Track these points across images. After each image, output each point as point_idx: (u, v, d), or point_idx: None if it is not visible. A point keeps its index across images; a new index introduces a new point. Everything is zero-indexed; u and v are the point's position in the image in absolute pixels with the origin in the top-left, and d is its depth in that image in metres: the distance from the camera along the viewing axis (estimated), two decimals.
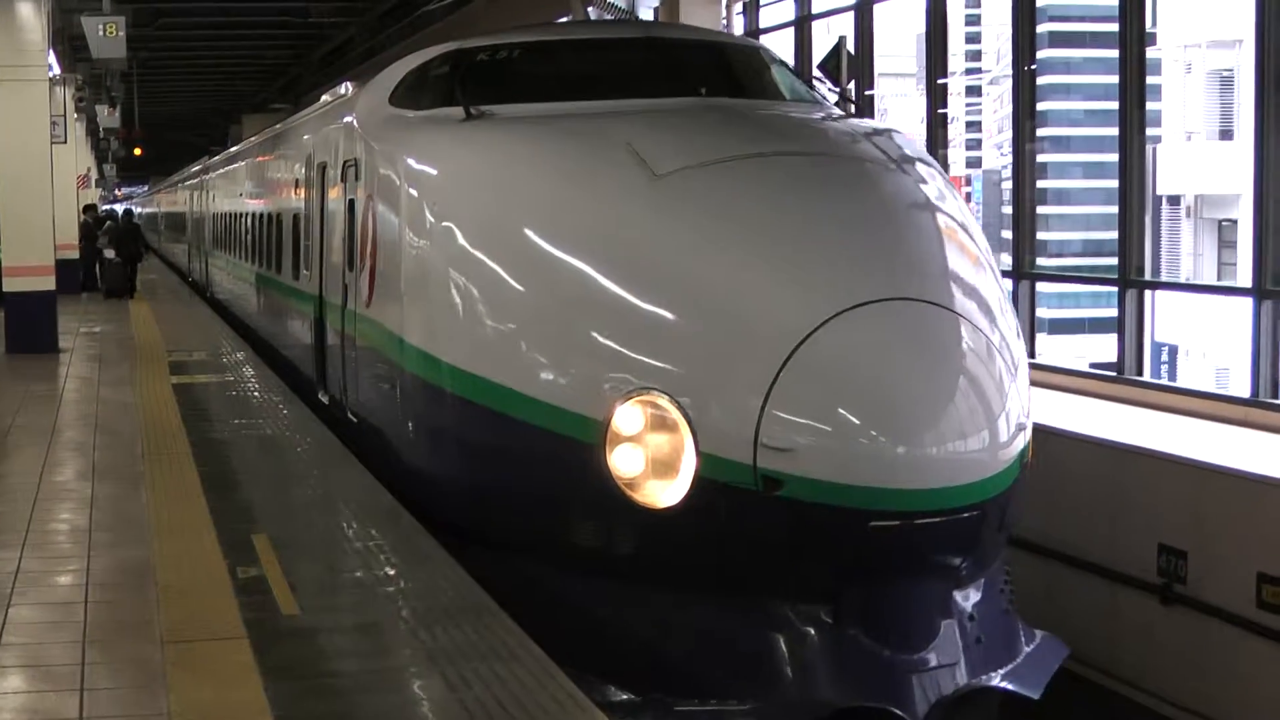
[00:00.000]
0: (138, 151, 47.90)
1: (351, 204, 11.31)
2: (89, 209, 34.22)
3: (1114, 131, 13.72)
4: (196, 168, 37.05)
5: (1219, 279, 40.45)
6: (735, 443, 7.15)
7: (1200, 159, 45.89)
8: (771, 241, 7.77)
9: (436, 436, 9.17)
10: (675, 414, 7.32)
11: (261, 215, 19.16)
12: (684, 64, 10.40)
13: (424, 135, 10.03)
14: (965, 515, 7.23)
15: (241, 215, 22.48)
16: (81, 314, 25.13)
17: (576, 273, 8.12)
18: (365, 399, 10.79)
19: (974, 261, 8.18)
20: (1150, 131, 15.33)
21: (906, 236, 8.06)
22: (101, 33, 18.93)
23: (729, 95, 9.91)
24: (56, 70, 23.97)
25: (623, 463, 7.45)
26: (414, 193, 9.55)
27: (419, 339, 9.13)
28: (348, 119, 12.02)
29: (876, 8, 18.20)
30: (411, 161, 9.85)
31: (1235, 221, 40.52)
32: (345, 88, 14.09)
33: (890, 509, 7.06)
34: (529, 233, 8.49)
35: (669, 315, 7.67)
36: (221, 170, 28.18)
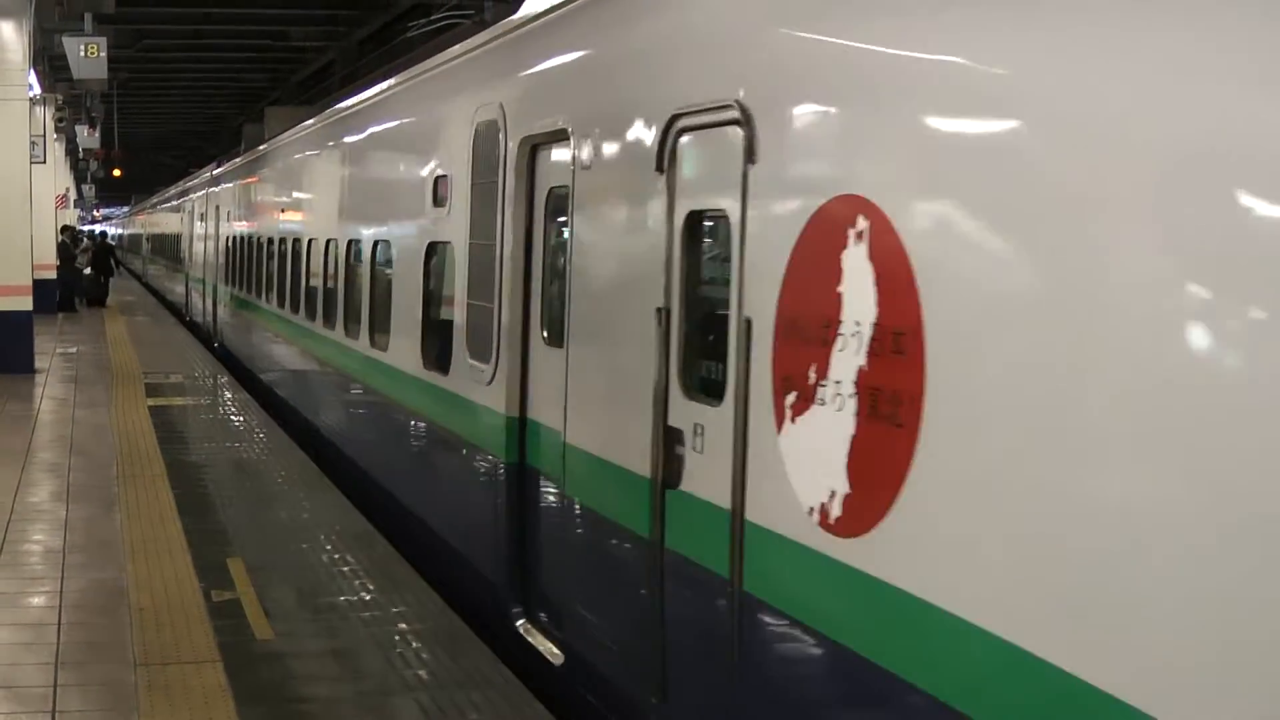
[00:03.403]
0: (117, 172, 47.96)
1: (696, 226, 5.33)
2: (66, 229, 34.24)
3: None
4: (202, 177, 29.66)
5: None
6: None
7: None
8: None
9: None
10: None
11: (336, 245, 12.70)
12: None
13: None
14: None
15: (287, 242, 15.76)
16: (58, 335, 25.10)
17: None
18: None
19: None
20: None
21: None
22: (83, 53, 19.00)
23: None
24: (37, 90, 23.97)
25: None
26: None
27: None
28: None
29: None
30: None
31: None
32: None
33: None
34: None
35: None
36: (247, 178, 20.88)
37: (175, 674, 6.59)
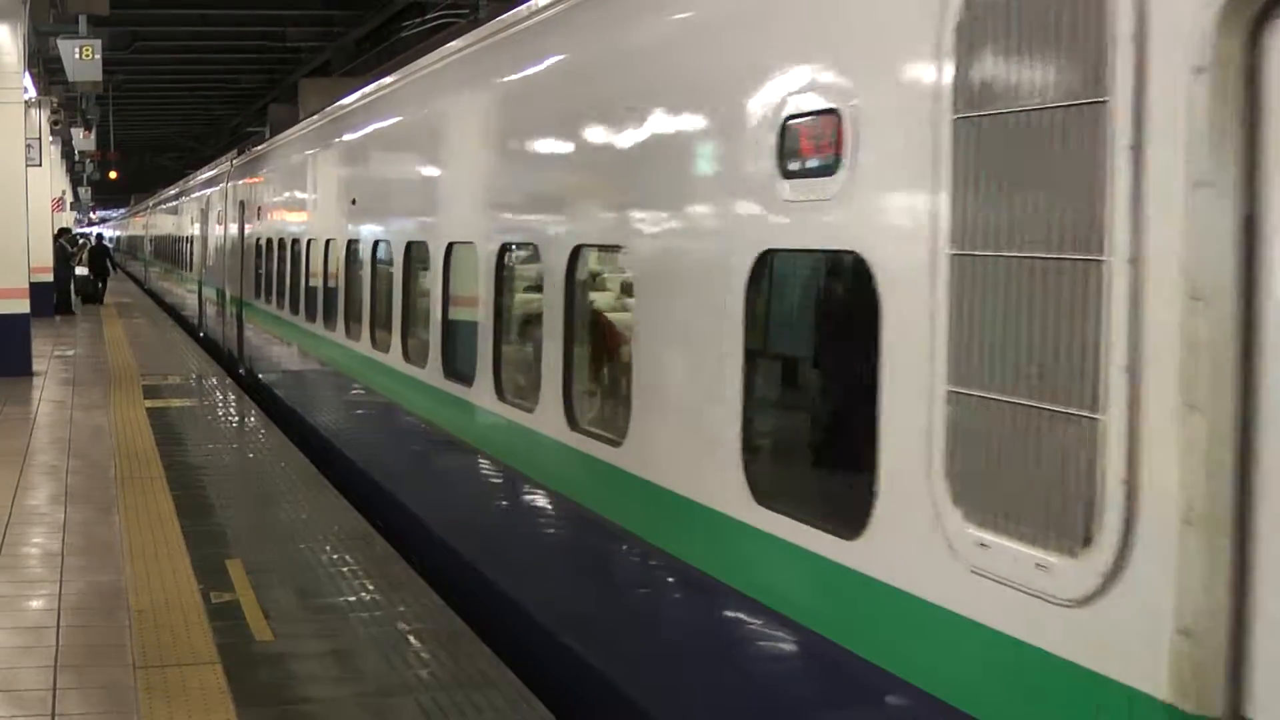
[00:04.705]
0: (113, 175, 47.92)
1: None
2: (63, 233, 34.27)
3: None
4: (222, 167, 24.71)
5: None
6: None
7: None
8: None
9: None
10: None
11: (477, 252, 8.01)
12: None
13: None
14: None
15: (361, 248, 11.43)
16: (55, 337, 25.07)
17: None
18: None
19: None
20: None
21: None
22: (78, 55, 18.98)
23: None
24: (32, 92, 23.94)
25: None
26: None
27: None
28: None
29: None
30: None
31: None
32: None
33: None
34: None
35: None
36: (304, 161, 15.43)
37: (174, 676, 6.57)
